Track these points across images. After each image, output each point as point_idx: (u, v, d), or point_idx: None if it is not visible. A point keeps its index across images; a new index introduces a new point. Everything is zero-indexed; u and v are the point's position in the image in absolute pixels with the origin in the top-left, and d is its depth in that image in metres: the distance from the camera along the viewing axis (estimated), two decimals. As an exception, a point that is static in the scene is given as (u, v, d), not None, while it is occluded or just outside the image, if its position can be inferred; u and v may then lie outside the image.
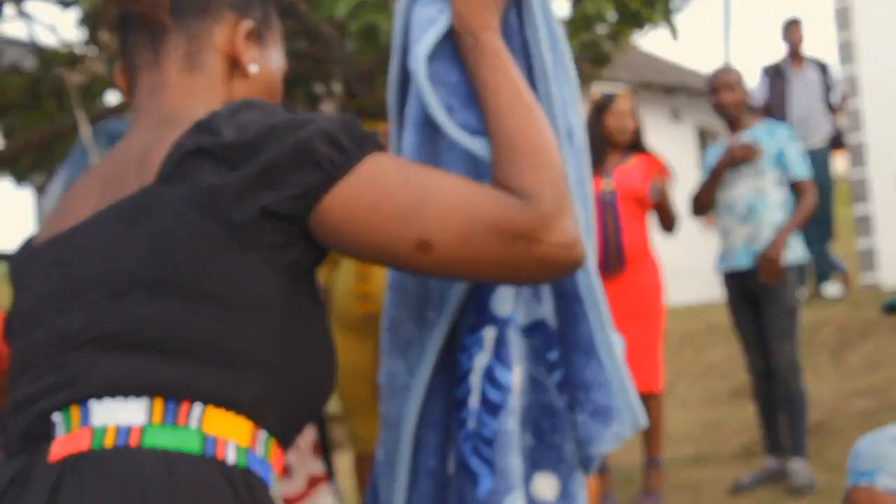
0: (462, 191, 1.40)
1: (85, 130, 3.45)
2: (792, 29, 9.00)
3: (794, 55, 9.00)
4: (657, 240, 5.53)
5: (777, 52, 10.56)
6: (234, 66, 1.58)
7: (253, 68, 1.58)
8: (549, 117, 1.65)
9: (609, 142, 5.29)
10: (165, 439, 1.32)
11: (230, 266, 1.37)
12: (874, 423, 5.41)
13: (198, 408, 1.35)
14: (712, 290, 11.87)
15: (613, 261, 5.12)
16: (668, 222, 5.30)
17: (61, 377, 1.38)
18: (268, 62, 1.62)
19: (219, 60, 1.57)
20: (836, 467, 5.07)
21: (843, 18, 9.89)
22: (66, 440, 1.34)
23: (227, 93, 1.56)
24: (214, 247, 1.36)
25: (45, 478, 1.31)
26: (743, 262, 5.19)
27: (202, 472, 1.31)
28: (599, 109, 5.32)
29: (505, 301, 1.68)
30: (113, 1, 1.56)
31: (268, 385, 1.39)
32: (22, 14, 5.24)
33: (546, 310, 1.72)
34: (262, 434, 1.40)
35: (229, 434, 1.36)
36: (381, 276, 4.12)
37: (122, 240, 1.39)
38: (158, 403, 1.34)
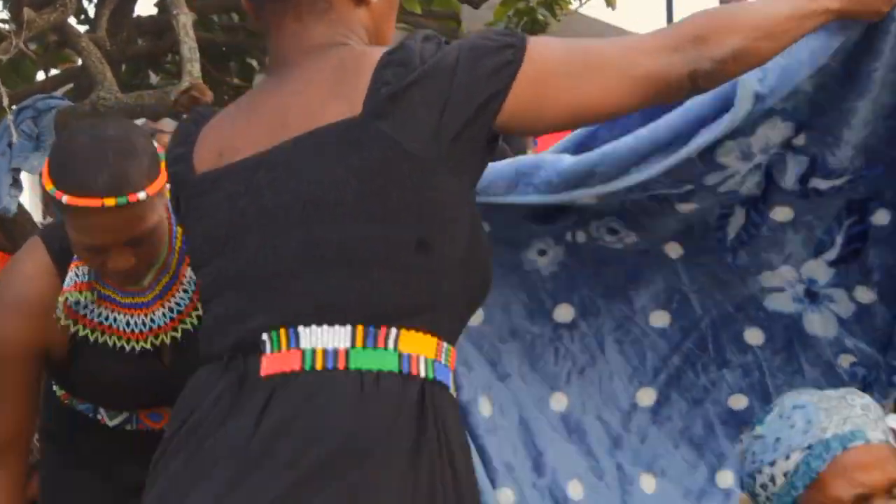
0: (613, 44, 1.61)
1: (6, 108, 3.44)
2: None
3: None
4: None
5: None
6: None
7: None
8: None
9: None
10: (368, 361, 1.50)
11: (441, 189, 1.53)
12: None
13: (394, 331, 1.51)
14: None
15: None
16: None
17: (270, 299, 1.53)
18: None
19: None
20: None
21: None
22: (277, 358, 1.51)
23: (357, 21, 1.67)
24: (427, 174, 1.52)
25: (260, 389, 1.49)
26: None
27: (395, 388, 1.50)
28: None
29: None
30: None
31: (452, 292, 1.56)
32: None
33: None
34: (444, 344, 1.57)
35: (420, 350, 1.53)
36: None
37: (333, 170, 1.52)
38: (360, 329, 1.50)
